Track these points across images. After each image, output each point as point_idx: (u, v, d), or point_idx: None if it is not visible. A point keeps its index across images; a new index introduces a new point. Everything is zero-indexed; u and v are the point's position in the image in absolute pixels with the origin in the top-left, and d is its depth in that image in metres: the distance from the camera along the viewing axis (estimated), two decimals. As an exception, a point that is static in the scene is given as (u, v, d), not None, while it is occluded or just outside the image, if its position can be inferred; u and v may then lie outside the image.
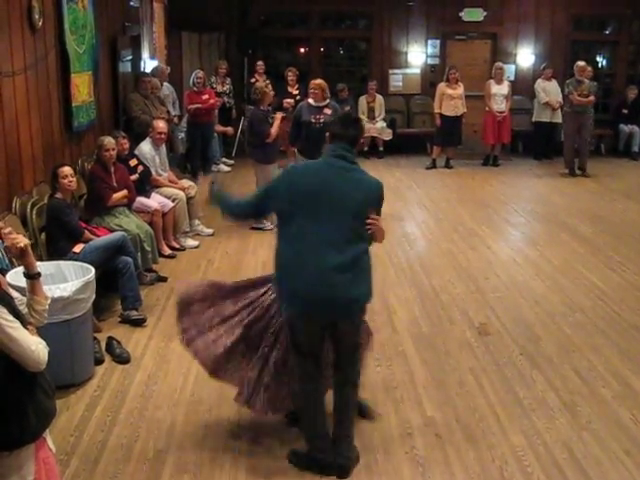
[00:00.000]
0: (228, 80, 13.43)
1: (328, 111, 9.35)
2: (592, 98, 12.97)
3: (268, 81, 10.67)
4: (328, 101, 9.50)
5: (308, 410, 4.43)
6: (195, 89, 11.86)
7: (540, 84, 14.12)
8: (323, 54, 15.90)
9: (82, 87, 8.16)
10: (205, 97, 11.85)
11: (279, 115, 9.60)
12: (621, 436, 4.76)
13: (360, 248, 4.18)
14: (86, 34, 8.32)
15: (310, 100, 9.44)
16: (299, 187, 4.20)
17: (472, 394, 5.31)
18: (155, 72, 11.48)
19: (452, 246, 8.85)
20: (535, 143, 14.63)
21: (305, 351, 4.31)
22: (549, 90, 14.00)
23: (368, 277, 4.25)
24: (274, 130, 9.29)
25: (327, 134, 4.44)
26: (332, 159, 4.28)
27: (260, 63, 13.66)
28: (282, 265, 4.23)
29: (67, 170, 6.40)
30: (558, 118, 13.94)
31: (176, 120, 11.81)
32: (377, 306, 6.85)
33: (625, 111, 14.81)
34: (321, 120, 9.30)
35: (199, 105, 11.67)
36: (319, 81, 9.57)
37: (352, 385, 4.43)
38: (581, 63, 13.15)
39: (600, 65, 16.33)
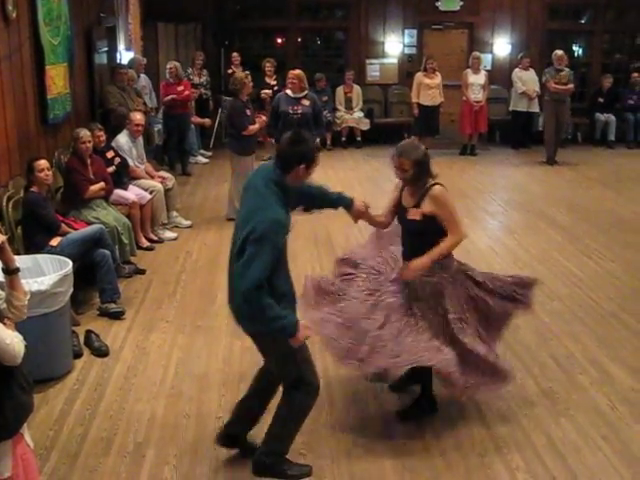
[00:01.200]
0: (205, 71, 13.37)
1: (306, 102, 9.35)
2: (571, 86, 13.04)
3: (248, 72, 10.63)
4: (306, 92, 9.49)
5: None
6: (171, 80, 11.80)
7: (517, 73, 14.16)
8: (300, 45, 15.87)
9: (57, 79, 8.08)
10: (180, 88, 11.80)
11: (262, 119, 9.55)
12: (599, 422, 4.81)
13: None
14: (61, 25, 8.24)
15: (288, 91, 9.43)
16: None
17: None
18: (132, 64, 11.42)
19: (430, 236, 8.85)
20: (512, 132, 14.70)
21: None
22: (526, 79, 14.05)
23: (255, 309, 3.81)
24: (253, 128, 9.23)
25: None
26: (260, 172, 4.09)
27: (235, 54, 13.60)
28: None
29: (43, 163, 6.35)
30: (535, 107, 14.04)
31: (153, 112, 11.75)
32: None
33: (601, 100, 14.90)
34: (299, 111, 9.32)
35: (174, 96, 11.60)
36: (297, 72, 9.56)
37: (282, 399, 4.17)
38: (559, 52, 13.21)
39: (576, 54, 16.43)
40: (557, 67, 12.99)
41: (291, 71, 9.68)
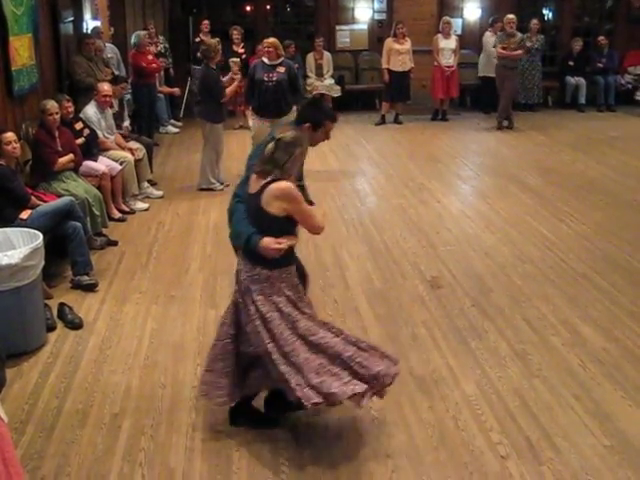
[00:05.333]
0: (161, 39, 13.18)
1: (281, 69, 9.35)
2: (519, 52, 12.92)
3: (218, 39, 10.54)
4: (282, 59, 9.48)
5: None
6: (146, 48, 11.72)
7: (487, 37, 14.13)
8: (270, 12, 15.72)
9: (22, 50, 7.94)
10: (150, 57, 11.71)
11: (238, 77, 9.61)
12: (570, 382, 4.87)
13: None
14: (24, -5, 8.09)
15: (264, 59, 9.43)
16: None
17: (425, 347, 5.37)
18: (93, 33, 11.21)
19: (403, 201, 8.90)
20: (483, 97, 14.70)
21: None
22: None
23: None
24: (230, 90, 9.29)
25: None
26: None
27: (205, 22, 13.46)
28: None
29: (10, 136, 6.27)
30: None
31: (123, 86, 11.59)
32: (329, 263, 6.91)
33: (571, 63, 14.93)
34: (274, 78, 9.30)
35: (154, 65, 11.79)
36: (272, 39, 9.58)
37: None
38: (510, 15, 13.07)
39: (546, 18, 16.42)
40: (508, 31, 12.89)
41: (266, 39, 9.69)
